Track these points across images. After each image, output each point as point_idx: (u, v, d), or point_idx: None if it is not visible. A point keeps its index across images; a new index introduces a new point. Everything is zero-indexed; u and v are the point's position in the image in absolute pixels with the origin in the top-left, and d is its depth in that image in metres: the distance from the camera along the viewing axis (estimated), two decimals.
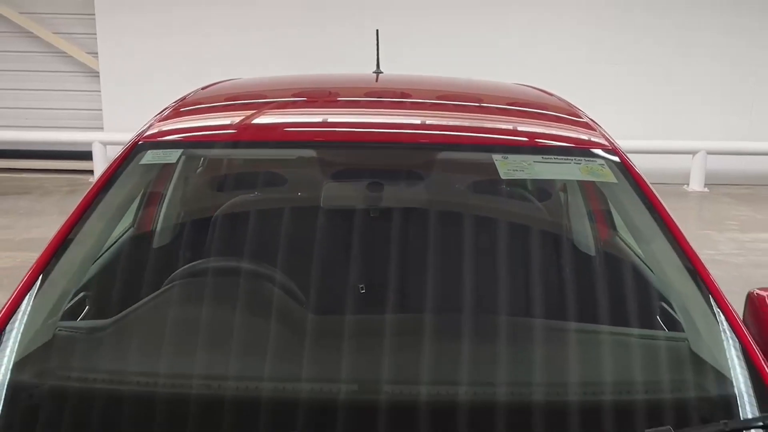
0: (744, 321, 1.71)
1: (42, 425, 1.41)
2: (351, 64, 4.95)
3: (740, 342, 1.55)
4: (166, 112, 2.23)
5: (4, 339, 1.54)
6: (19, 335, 1.57)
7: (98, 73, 8.99)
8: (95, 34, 8.89)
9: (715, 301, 1.63)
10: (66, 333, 1.68)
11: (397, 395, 1.48)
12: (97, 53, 8.93)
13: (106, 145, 8.68)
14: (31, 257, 1.71)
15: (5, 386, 1.47)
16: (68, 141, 8.92)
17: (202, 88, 2.58)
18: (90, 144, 8.73)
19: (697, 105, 8.82)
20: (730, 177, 8.87)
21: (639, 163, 2.05)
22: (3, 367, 1.50)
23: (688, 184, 8.65)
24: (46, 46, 9.00)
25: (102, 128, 9.01)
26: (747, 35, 8.73)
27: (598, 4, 8.69)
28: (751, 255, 6.10)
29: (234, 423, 1.38)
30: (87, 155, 8.92)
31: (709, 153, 8.48)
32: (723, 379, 1.51)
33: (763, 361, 1.52)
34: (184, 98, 2.39)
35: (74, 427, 1.41)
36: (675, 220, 1.84)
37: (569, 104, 2.40)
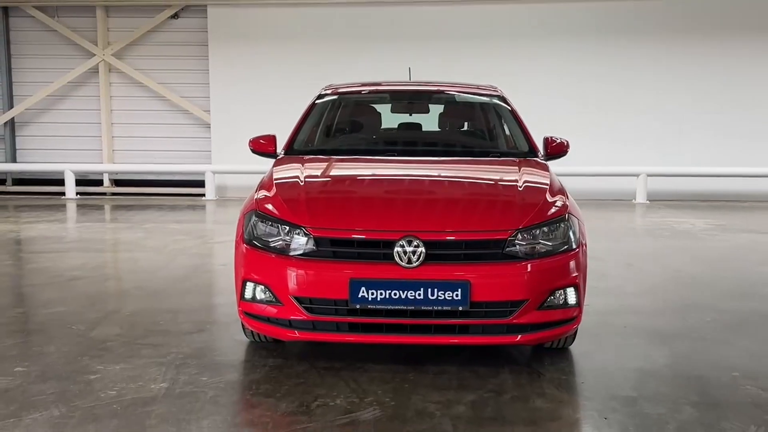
0: (544, 144, 4.93)
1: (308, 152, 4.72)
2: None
3: (531, 146, 4.78)
4: (321, 90, 5.53)
5: (293, 146, 4.83)
6: (293, 145, 4.86)
7: (209, 124, 12.57)
8: (209, 97, 12.53)
9: (527, 140, 4.86)
10: (304, 146, 4.96)
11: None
12: (209, 110, 12.53)
13: (214, 173, 12.16)
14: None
15: (293, 150, 4.75)
16: (188, 171, 12.46)
17: (328, 85, 5.88)
18: (203, 174, 12.22)
19: (640, 138, 12.06)
20: (671, 194, 11.96)
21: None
22: (294, 146, 4.81)
23: (635, 199, 11.78)
24: (173, 106, 12.66)
25: (210, 162, 12.49)
26: (676, 83, 12.05)
27: (560, 59, 12.11)
28: (655, 224, 9.22)
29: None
30: (198, 183, 12.39)
31: (649, 175, 11.65)
32: (526, 151, 4.74)
33: (536, 146, 4.74)
34: (323, 89, 5.70)
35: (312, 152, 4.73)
36: (523, 120, 5.08)
37: (497, 88, 5.68)
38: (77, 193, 12.33)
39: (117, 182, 13.02)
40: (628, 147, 12.05)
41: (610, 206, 11.15)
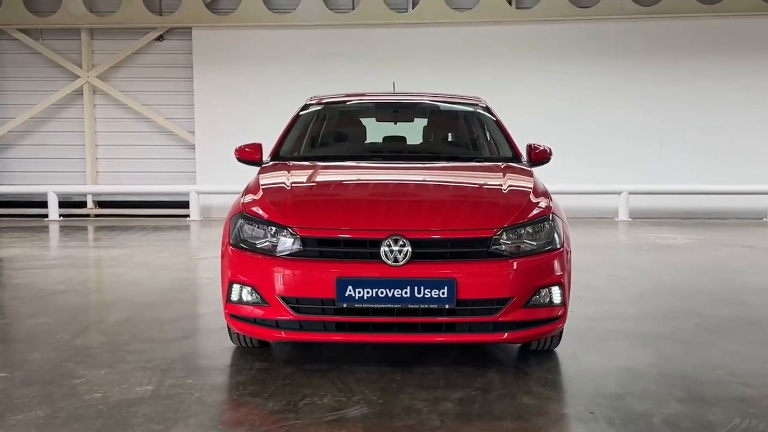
0: (527, 151, 4.97)
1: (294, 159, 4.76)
2: None
3: (515, 152, 4.84)
4: (306, 101, 5.58)
5: (278, 153, 4.86)
6: (279, 153, 4.88)
7: (194, 145, 12.58)
8: (193, 118, 12.56)
9: (511, 147, 4.92)
10: (290, 154, 4.99)
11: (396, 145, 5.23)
12: (194, 132, 12.56)
13: (199, 194, 12.14)
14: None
15: (279, 157, 4.77)
16: (172, 192, 12.42)
17: (313, 96, 5.93)
18: (187, 194, 12.20)
19: (622, 157, 12.22)
20: (653, 212, 12.10)
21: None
22: (279, 154, 4.83)
23: (617, 216, 11.90)
24: (157, 127, 12.68)
25: (195, 183, 12.48)
26: (657, 103, 12.27)
27: (544, 80, 12.29)
28: (638, 239, 9.31)
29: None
30: (183, 204, 12.36)
31: (631, 193, 11.78)
32: (509, 157, 4.79)
33: (519, 153, 4.81)
34: (309, 99, 5.75)
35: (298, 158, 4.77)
36: (506, 127, 5.15)
37: (481, 98, 5.75)
38: (60, 215, 12.25)
39: (101, 204, 12.96)
40: (610, 165, 12.21)
41: (593, 224, 11.25)
